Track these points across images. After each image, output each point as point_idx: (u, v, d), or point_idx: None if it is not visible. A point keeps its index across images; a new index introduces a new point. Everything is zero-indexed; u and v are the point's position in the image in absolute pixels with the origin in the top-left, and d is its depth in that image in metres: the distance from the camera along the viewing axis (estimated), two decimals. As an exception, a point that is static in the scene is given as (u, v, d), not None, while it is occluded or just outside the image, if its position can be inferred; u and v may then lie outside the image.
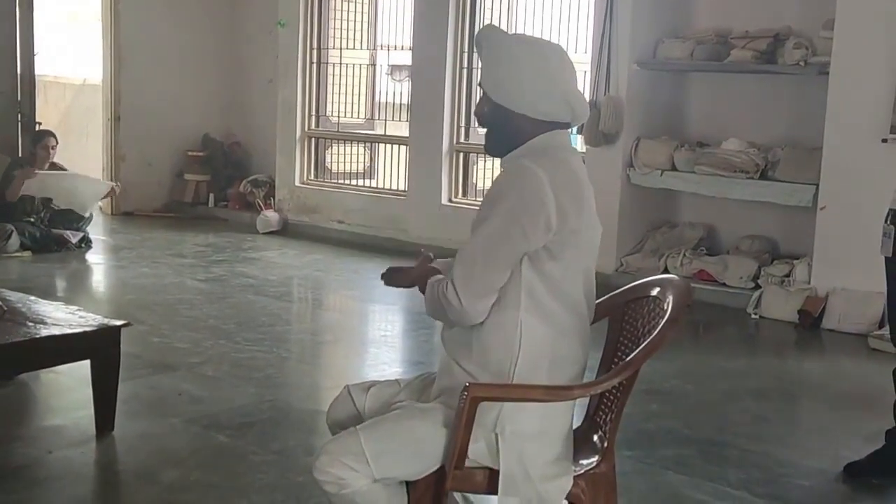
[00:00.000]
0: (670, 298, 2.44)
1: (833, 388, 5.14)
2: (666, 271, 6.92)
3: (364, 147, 9.92)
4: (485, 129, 2.47)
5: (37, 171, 7.75)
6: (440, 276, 2.42)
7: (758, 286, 6.59)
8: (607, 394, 2.54)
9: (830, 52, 6.21)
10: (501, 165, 2.46)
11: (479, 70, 2.49)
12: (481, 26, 2.73)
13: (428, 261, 2.54)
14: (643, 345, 2.35)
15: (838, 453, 3.94)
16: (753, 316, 6.39)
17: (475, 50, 2.53)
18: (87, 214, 8.01)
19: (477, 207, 2.53)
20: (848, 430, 4.36)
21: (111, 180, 8.19)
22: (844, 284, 6.11)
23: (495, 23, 8.18)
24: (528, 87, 2.33)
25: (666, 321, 2.37)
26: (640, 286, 2.61)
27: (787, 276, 6.53)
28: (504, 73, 2.35)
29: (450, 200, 8.41)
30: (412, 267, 2.54)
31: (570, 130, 2.47)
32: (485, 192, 2.57)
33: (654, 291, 2.52)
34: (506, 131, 2.40)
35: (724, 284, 6.74)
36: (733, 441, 4.13)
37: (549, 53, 2.38)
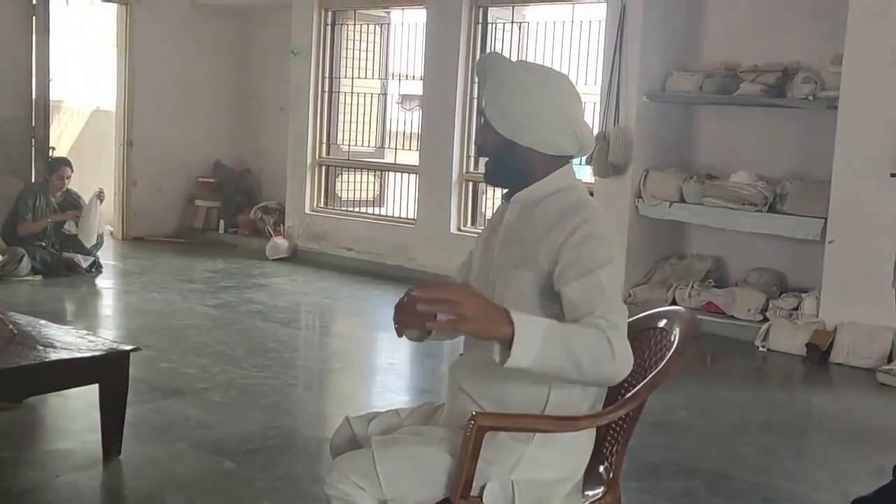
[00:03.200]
0: (677, 330, 2.44)
1: (841, 422, 5.12)
2: (674, 303, 6.92)
3: (374, 175, 9.97)
4: (485, 159, 2.39)
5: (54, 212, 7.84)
6: (553, 321, 2.01)
7: (766, 319, 6.58)
8: (613, 425, 2.54)
9: (839, 87, 6.24)
10: (516, 204, 2.34)
11: (484, 98, 2.34)
12: (484, 53, 2.62)
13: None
14: (649, 377, 2.35)
15: (845, 488, 3.92)
16: (761, 349, 6.38)
17: (476, 77, 2.40)
18: (93, 241, 8.01)
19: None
20: (855, 464, 4.34)
21: (98, 195, 8.15)
22: (853, 318, 6.10)
23: (505, 53, 8.24)
24: (538, 121, 2.25)
25: (672, 353, 2.37)
26: (647, 318, 2.62)
27: (796, 309, 6.53)
28: (512, 105, 2.25)
29: (458, 229, 8.44)
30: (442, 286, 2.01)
31: (573, 162, 2.43)
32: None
33: (661, 323, 2.53)
34: (511, 164, 2.31)
35: (731, 317, 6.74)
36: (740, 474, 4.12)
37: (557, 84, 2.28)
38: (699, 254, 7.39)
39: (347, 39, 9.55)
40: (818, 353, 6.11)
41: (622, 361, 2.01)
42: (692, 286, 7.01)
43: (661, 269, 7.38)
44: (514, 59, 2.51)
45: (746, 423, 4.93)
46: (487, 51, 8.26)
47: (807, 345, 6.17)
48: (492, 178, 2.41)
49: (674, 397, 5.02)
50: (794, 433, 4.95)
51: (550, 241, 2.20)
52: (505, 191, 2.41)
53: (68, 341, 3.93)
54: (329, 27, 9.47)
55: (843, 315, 6.17)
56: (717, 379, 5.92)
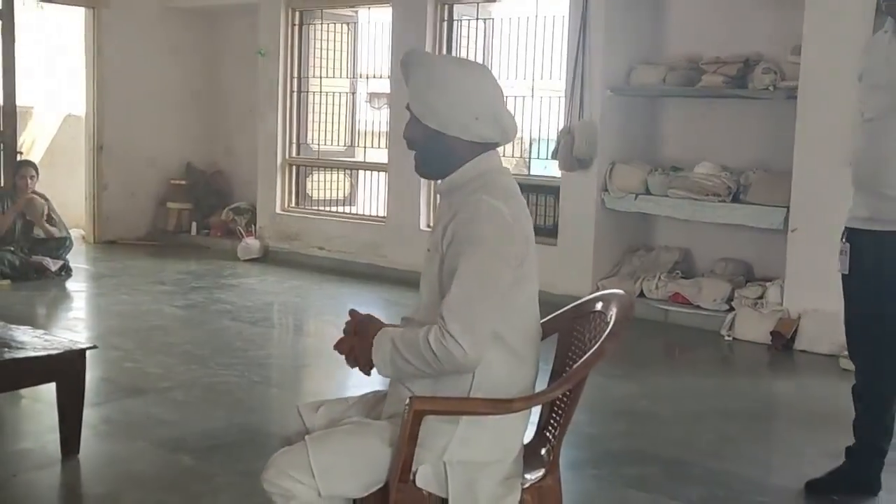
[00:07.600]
0: (613, 312, 2.47)
1: (802, 407, 5.17)
2: (642, 294, 6.97)
3: (344, 174, 9.99)
4: (414, 152, 2.47)
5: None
6: (396, 330, 2.34)
7: (731, 308, 6.63)
8: (555, 408, 2.57)
9: (799, 77, 6.29)
10: (441, 193, 2.46)
11: (409, 93, 2.45)
12: (407, 50, 2.70)
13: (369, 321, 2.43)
14: (583, 358, 2.38)
15: (802, 471, 3.95)
16: (727, 338, 6.43)
17: (401, 73, 2.51)
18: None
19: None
20: (814, 448, 4.37)
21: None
22: (816, 306, 6.15)
23: (471, 50, 8.28)
24: (461, 110, 2.34)
25: (607, 335, 2.40)
26: (585, 302, 2.65)
27: (760, 298, 6.58)
28: (436, 96, 2.35)
29: (428, 226, 8.45)
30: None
31: (499, 150, 2.48)
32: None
33: (598, 306, 2.56)
34: (438, 154, 2.40)
35: (698, 307, 6.79)
36: (699, 460, 4.15)
37: (478, 75, 2.39)
38: (666, 245, 7.43)
39: (315, 39, 9.55)
40: (783, 341, 6.16)
41: (450, 362, 2.20)
42: (659, 277, 7.05)
43: (629, 262, 7.41)
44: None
45: (709, 410, 4.96)
46: (454, 48, 8.27)
47: (771, 333, 6.22)
48: (421, 170, 2.51)
49: (639, 387, 5.06)
50: (755, 419, 4.98)
51: (441, 229, 2.34)
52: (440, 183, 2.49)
53: (24, 341, 3.92)
54: (296, 27, 9.46)
55: (807, 303, 6.21)
56: (683, 368, 5.96)
